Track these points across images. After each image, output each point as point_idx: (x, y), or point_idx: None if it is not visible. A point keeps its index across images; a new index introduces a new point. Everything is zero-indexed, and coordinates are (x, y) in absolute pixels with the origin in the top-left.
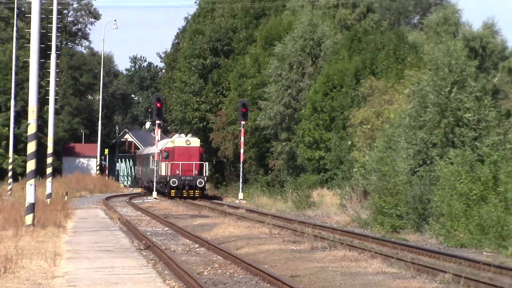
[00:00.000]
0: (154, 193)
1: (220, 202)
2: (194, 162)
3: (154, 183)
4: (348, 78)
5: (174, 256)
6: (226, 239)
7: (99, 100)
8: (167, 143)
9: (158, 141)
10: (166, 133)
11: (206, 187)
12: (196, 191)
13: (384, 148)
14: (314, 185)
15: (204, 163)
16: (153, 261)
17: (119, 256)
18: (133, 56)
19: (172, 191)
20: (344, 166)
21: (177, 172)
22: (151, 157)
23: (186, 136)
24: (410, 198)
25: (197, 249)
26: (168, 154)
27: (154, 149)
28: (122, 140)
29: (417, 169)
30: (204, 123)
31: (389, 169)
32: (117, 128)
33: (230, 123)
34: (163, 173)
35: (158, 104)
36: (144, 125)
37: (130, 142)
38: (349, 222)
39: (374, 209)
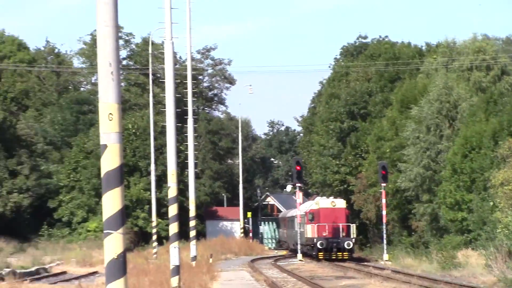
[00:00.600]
0: (299, 255)
1: (366, 264)
2: (341, 224)
3: (299, 244)
4: (486, 139)
5: None
6: None
7: (239, 164)
8: (311, 205)
9: (300, 203)
10: (307, 195)
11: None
12: (344, 253)
13: None
14: (458, 246)
15: (352, 225)
16: None
17: None
18: (271, 120)
19: (319, 253)
20: (487, 227)
21: (324, 234)
22: (295, 219)
23: (329, 197)
24: None
25: None
26: (313, 216)
27: (297, 212)
28: (264, 203)
29: None
30: (345, 186)
31: None
32: (258, 191)
33: (371, 186)
34: (309, 235)
35: (298, 167)
36: (285, 188)
37: (272, 205)
38: (496, 282)
39: None
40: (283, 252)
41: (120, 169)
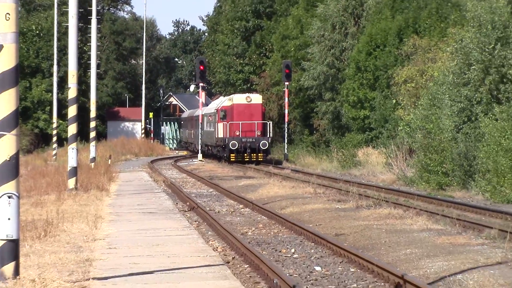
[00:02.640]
0: (200, 155)
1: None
2: (256, 122)
3: (199, 144)
4: (391, 37)
5: (218, 217)
6: (271, 199)
7: (143, 64)
8: (223, 101)
9: (203, 103)
10: (210, 95)
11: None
12: (259, 154)
13: (428, 106)
14: (359, 144)
15: (268, 122)
16: (197, 223)
17: (162, 218)
18: (176, 20)
19: (231, 155)
20: (389, 125)
21: (237, 134)
22: (205, 118)
23: (245, 93)
24: (456, 155)
25: (242, 209)
26: (225, 114)
27: (204, 110)
28: (167, 103)
29: (462, 126)
30: (248, 85)
31: (434, 127)
32: (161, 91)
33: (274, 85)
34: (220, 135)
35: (201, 67)
36: (188, 88)
37: (175, 105)
38: (395, 181)
39: (420, 167)
40: (184, 153)
41: (16, 70)
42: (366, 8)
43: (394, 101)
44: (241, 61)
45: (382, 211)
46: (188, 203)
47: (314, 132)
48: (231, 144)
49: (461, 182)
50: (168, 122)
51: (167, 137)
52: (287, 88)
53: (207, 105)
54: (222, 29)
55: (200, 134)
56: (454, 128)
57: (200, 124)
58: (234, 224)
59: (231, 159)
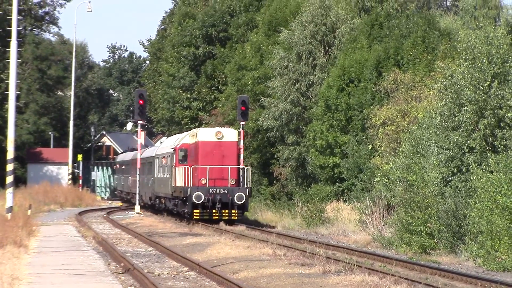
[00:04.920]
0: (137, 207)
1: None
2: (229, 166)
3: (137, 194)
4: (367, 70)
5: (158, 281)
6: (221, 261)
7: (71, 96)
8: (183, 137)
9: (142, 144)
10: (151, 135)
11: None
12: (233, 211)
13: (411, 154)
14: (328, 197)
15: (246, 168)
16: (133, 287)
17: (91, 281)
18: (112, 45)
19: (195, 211)
20: (364, 175)
21: (204, 182)
22: (157, 160)
23: (215, 127)
24: (443, 213)
25: (186, 273)
26: (186, 154)
27: (138, 155)
28: (99, 144)
29: (451, 178)
30: (197, 124)
31: (417, 179)
32: (92, 129)
33: (228, 124)
34: (179, 184)
35: (141, 101)
36: (125, 126)
37: (109, 147)
38: (370, 242)
39: (400, 226)
40: (118, 204)
41: None
42: (338, 36)
43: (370, 146)
44: (189, 95)
45: (354, 278)
46: (122, 264)
47: (275, 182)
48: (194, 197)
49: (449, 245)
50: (100, 167)
51: (98, 185)
52: (242, 129)
53: (147, 147)
54: (166, 56)
55: (139, 182)
56: (441, 181)
57: (138, 169)
58: None
59: (195, 216)
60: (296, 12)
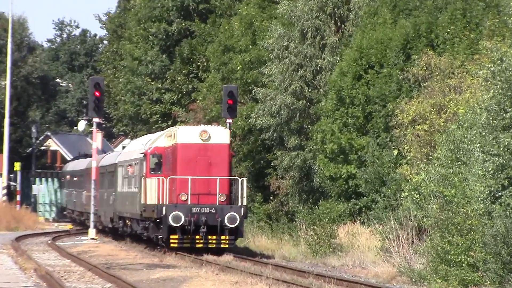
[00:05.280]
0: (92, 231)
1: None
2: (218, 178)
3: (92, 214)
4: (392, 53)
5: None
6: None
7: (6, 87)
8: (156, 139)
9: (98, 148)
10: (110, 138)
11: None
12: (223, 236)
13: (449, 161)
14: (340, 218)
15: (241, 179)
16: None
17: None
18: (59, 20)
19: (172, 237)
20: (388, 189)
21: (184, 199)
22: (120, 169)
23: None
24: (490, 238)
25: None
26: (160, 162)
27: (94, 162)
28: (43, 148)
29: (500, 193)
30: (170, 122)
31: (457, 194)
32: (34, 130)
33: (210, 122)
34: (151, 201)
35: (97, 93)
36: (76, 126)
37: (55, 152)
38: (395, 276)
39: (434, 256)
40: (68, 226)
41: None
42: (353, 7)
43: (395, 152)
44: (159, 85)
45: None
46: None
47: (271, 198)
48: (171, 218)
49: (497, 280)
50: (44, 178)
51: (41, 202)
52: (230, 129)
53: (104, 152)
54: (129, 34)
55: (96, 198)
56: (488, 196)
57: (94, 182)
58: None
59: (172, 244)
60: None
